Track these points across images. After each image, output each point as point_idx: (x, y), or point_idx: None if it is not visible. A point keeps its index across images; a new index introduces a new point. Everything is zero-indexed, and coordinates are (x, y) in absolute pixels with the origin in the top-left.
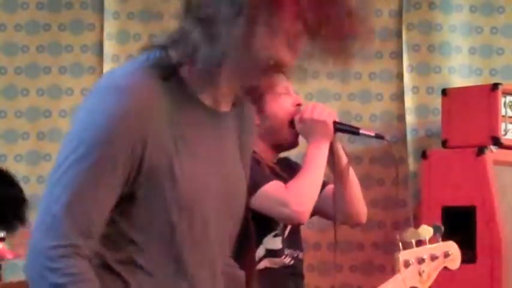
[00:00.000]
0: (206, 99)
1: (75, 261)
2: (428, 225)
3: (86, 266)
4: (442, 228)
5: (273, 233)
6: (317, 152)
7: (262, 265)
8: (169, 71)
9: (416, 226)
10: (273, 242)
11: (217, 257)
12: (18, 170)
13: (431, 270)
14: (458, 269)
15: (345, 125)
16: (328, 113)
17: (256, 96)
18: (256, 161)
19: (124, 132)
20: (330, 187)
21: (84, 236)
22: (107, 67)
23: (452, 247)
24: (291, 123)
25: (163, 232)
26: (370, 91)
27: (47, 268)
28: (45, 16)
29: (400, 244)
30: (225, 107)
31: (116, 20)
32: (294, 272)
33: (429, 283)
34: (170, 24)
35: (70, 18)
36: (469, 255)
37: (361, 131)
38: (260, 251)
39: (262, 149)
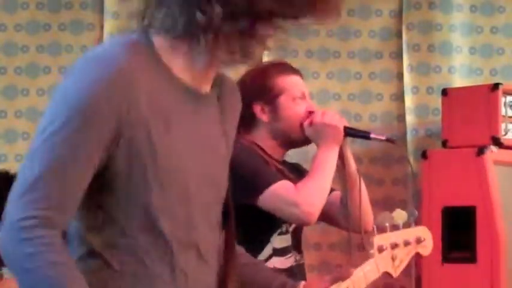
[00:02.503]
0: (186, 80)
1: (47, 232)
2: (428, 225)
3: (57, 237)
4: (416, 213)
5: (278, 231)
6: (327, 155)
7: (270, 265)
8: (147, 50)
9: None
10: (280, 240)
11: (204, 240)
12: (18, 170)
13: (404, 255)
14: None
15: (356, 129)
16: (338, 118)
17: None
18: (264, 161)
19: (104, 101)
20: (336, 193)
21: (58, 208)
22: None
23: (424, 232)
24: (301, 127)
25: (143, 211)
26: (370, 91)
27: (20, 239)
28: (45, 16)
29: (375, 228)
30: (204, 89)
31: (116, 20)
32: (300, 276)
33: (401, 268)
34: None
35: (70, 18)
36: (469, 255)
37: (372, 136)
38: (267, 250)
39: (270, 147)
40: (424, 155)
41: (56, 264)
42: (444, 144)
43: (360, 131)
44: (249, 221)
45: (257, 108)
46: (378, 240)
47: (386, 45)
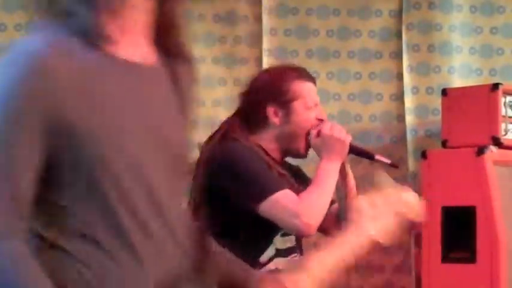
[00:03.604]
0: (123, 54)
1: (12, 242)
2: (428, 225)
3: (23, 246)
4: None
5: (281, 232)
6: (330, 168)
7: (272, 266)
8: (76, 30)
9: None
10: (283, 241)
11: (168, 215)
12: None
13: (386, 217)
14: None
15: (361, 148)
16: (345, 134)
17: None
18: (268, 165)
19: (34, 96)
20: (336, 206)
21: (17, 210)
22: None
23: (409, 196)
24: (307, 135)
25: (93, 195)
26: (370, 91)
27: None
28: None
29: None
30: (147, 60)
31: None
32: None
33: (385, 230)
34: None
35: None
36: (468, 255)
37: (376, 157)
38: (270, 251)
39: (272, 150)
40: (423, 155)
41: (21, 277)
42: (444, 144)
43: (364, 150)
44: (251, 223)
45: (270, 111)
46: (358, 200)
47: (386, 45)
